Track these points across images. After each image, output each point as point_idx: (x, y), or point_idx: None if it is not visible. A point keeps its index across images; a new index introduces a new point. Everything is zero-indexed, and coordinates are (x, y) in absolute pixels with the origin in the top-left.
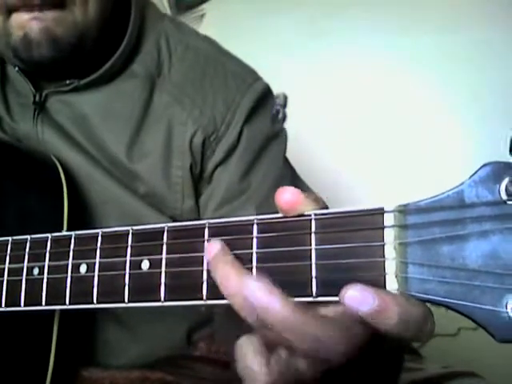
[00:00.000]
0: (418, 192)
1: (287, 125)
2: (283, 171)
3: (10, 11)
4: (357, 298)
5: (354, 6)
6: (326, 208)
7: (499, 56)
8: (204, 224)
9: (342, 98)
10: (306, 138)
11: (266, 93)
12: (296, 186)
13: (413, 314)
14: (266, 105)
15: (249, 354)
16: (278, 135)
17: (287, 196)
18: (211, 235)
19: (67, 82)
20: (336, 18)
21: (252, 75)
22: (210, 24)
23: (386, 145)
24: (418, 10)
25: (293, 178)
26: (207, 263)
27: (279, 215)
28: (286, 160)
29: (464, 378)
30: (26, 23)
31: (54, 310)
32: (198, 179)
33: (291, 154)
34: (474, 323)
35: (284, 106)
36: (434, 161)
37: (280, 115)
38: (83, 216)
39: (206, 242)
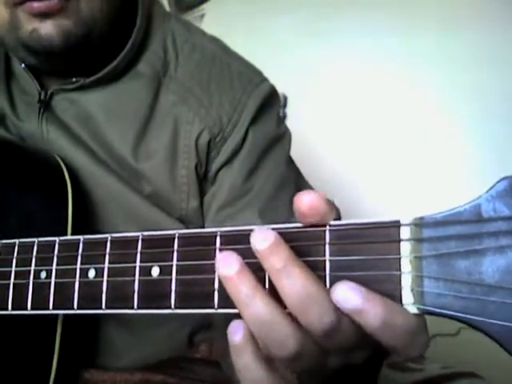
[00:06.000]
0: (417, 191)
1: (287, 125)
2: (287, 174)
3: (16, 4)
4: (343, 294)
5: (354, 6)
6: (339, 216)
7: (499, 56)
8: (215, 232)
9: (342, 98)
10: (306, 138)
11: (272, 94)
12: (301, 189)
13: (398, 322)
14: (271, 106)
15: (247, 355)
16: (282, 137)
17: (307, 199)
18: (223, 243)
19: (73, 79)
20: (336, 18)
21: (258, 76)
22: (210, 24)
23: (385, 144)
24: (419, 10)
25: (297, 181)
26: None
27: (293, 224)
28: (291, 162)
29: (464, 378)
30: (35, 17)
31: None
32: (203, 179)
33: (291, 154)
34: None
35: (284, 106)
36: (432, 159)
37: (280, 115)
38: (88, 216)
39: (217, 250)
